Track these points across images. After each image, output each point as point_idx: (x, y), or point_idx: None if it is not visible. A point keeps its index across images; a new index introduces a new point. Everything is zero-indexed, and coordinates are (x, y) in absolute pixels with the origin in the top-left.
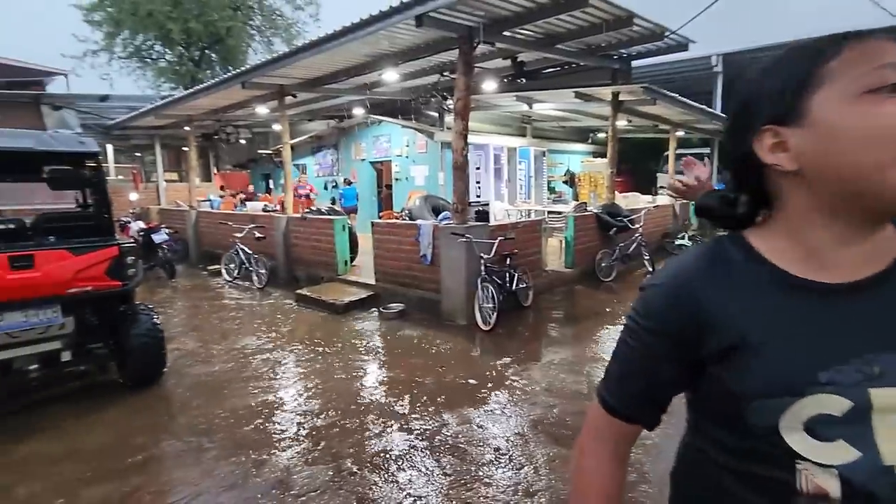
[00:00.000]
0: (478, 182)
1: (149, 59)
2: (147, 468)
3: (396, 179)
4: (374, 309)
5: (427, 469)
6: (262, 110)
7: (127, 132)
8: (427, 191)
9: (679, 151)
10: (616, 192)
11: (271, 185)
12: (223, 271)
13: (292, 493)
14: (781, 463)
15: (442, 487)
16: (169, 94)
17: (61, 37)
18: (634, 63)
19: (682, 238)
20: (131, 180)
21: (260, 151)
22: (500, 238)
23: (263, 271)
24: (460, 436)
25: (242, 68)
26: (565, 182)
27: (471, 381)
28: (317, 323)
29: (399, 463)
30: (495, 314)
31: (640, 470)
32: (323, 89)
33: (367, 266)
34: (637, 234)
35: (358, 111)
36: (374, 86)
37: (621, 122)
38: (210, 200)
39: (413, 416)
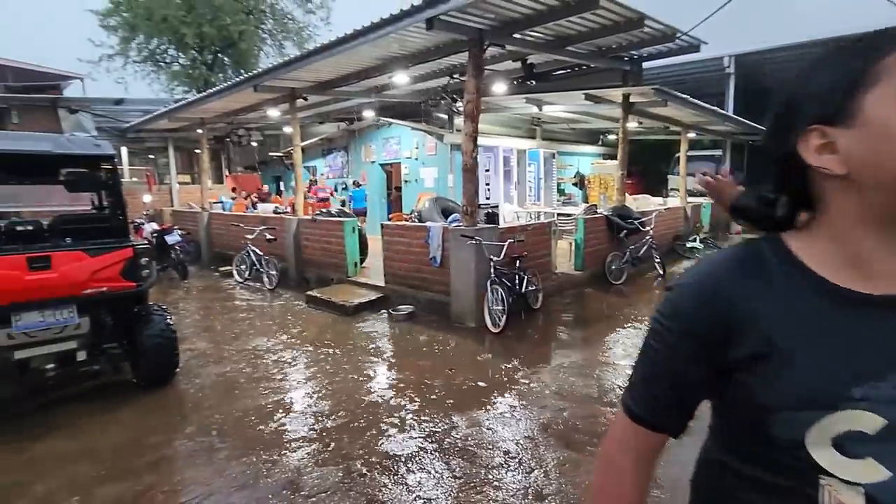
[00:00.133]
0: (487, 184)
1: (163, 63)
2: (160, 467)
3: (406, 181)
4: (383, 311)
5: (436, 471)
6: (273, 113)
7: (141, 135)
8: (436, 193)
9: (690, 153)
10: (626, 195)
11: (282, 187)
12: (234, 272)
13: (303, 493)
14: (804, 477)
15: (451, 490)
16: (182, 98)
17: (78, 42)
18: (645, 64)
19: (694, 241)
20: (145, 182)
21: (271, 154)
22: (509, 240)
23: (274, 273)
24: (470, 438)
25: (255, 72)
26: (575, 184)
27: (480, 383)
28: (327, 324)
29: (408, 465)
30: (505, 316)
31: (652, 474)
32: (334, 92)
33: (377, 268)
34: (648, 237)
35: (368, 114)
36: (385, 88)
37: (632, 124)
38: (222, 202)
39: (422, 418)
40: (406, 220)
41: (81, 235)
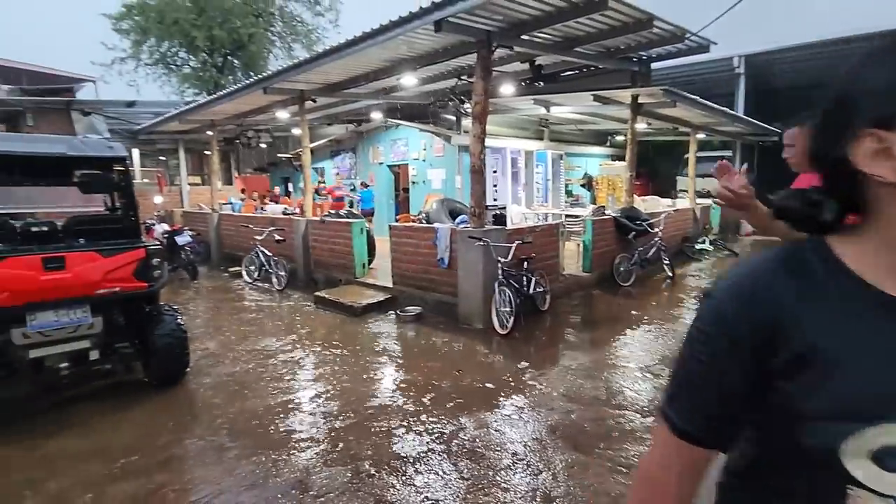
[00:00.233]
0: (495, 185)
1: (173, 66)
2: (171, 466)
3: (413, 183)
4: (391, 312)
5: (444, 472)
6: (282, 115)
7: (152, 137)
8: (444, 194)
9: (699, 154)
10: (635, 196)
11: (290, 189)
12: (244, 273)
13: (311, 493)
14: (833, 487)
15: (459, 491)
16: (193, 100)
17: (91, 45)
18: (654, 65)
19: (703, 242)
20: (156, 183)
21: (279, 155)
22: (517, 242)
23: (283, 273)
24: (477, 440)
25: (264, 74)
26: (583, 185)
27: (488, 384)
28: (335, 325)
29: (416, 466)
30: (512, 318)
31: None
32: (342, 94)
33: (385, 269)
34: (656, 239)
35: (376, 115)
36: (393, 90)
37: (640, 125)
38: (231, 203)
39: (430, 419)
40: (414, 222)
41: (95, 236)
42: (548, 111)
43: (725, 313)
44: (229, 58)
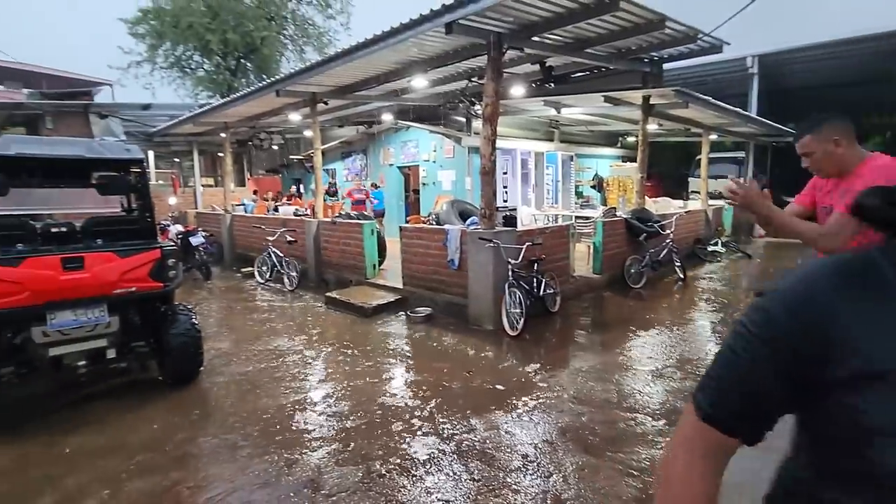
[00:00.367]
0: (505, 187)
1: (188, 69)
2: (185, 463)
3: (424, 184)
4: (401, 312)
5: (455, 473)
6: (294, 117)
7: (167, 139)
8: (454, 195)
9: (712, 155)
10: (646, 197)
11: (301, 190)
12: (256, 273)
13: (323, 492)
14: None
15: (470, 492)
16: (207, 103)
17: (108, 49)
18: (665, 65)
19: (716, 244)
20: (171, 185)
21: (291, 157)
22: (527, 243)
23: (294, 274)
24: (488, 441)
25: (277, 77)
26: (593, 187)
27: (498, 386)
28: (346, 325)
29: (427, 466)
30: (522, 319)
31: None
32: (353, 96)
33: (395, 270)
34: (668, 240)
35: (386, 117)
36: (403, 92)
37: (652, 126)
38: (244, 204)
39: (441, 419)
40: (424, 223)
41: (112, 237)
42: (558, 112)
43: (772, 316)
44: (242, 61)
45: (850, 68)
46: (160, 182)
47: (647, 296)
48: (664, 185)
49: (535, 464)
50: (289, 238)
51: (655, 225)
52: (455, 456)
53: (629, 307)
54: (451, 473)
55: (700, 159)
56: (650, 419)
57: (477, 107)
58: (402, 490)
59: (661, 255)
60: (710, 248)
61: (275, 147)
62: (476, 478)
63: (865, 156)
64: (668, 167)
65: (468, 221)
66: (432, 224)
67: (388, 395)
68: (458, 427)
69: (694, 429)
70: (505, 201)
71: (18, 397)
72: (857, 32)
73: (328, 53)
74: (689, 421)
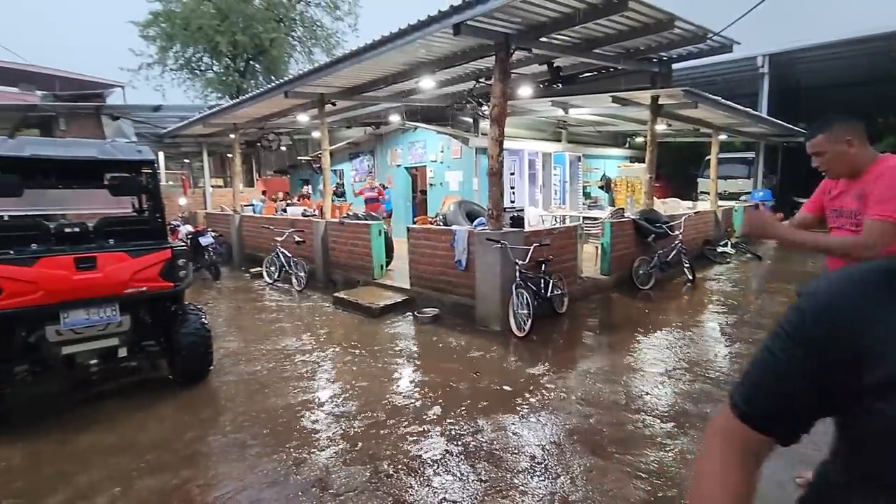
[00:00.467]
0: (512, 188)
1: (198, 71)
2: (195, 462)
3: (431, 185)
4: (408, 313)
5: (462, 474)
6: (302, 118)
7: (177, 140)
8: (461, 196)
9: (721, 155)
10: (655, 198)
11: (309, 190)
12: (264, 274)
13: (330, 492)
14: None
15: (477, 493)
16: (216, 104)
17: (120, 52)
18: (675, 65)
19: (725, 245)
20: (181, 186)
21: (299, 157)
22: (535, 244)
23: (302, 274)
24: (495, 442)
25: (285, 78)
26: (601, 187)
27: (505, 387)
28: (353, 325)
29: (434, 467)
30: (530, 321)
31: (682, 486)
32: (361, 97)
33: (403, 270)
34: (677, 241)
35: (394, 118)
36: (411, 93)
37: (660, 127)
38: (252, 205)
39: (448, 420)
40: (431, 224)
41: (123, 237)
42: (566, 113)
43: (808, 319)
44: (251, 62)
45: (862, 68)
46: (170, 183)
47: (656, 297)
48: (673, 185)
49: (543, 465)
50: (297, 238)
51: (664, 226)
52: (462, 457)
53: (637, 309)
54: (458, 474)
55: (709, 160)
56: (659, 421)
57: (484, 107)
58: (409, 490)
59: (670, 257)
60: (720, 250)
61: (283, 148)
62: (483, 478)
63: (877, 157)
64: (676, 168)
65: (475, 222)
66: (439, 225)
67: (395, 395)
68: (465, 428)
69: (730, 426)
70: (512, 202)
71: (33, 395)
72: (869, 31)
73: (336, 55)
74: (725, 417)
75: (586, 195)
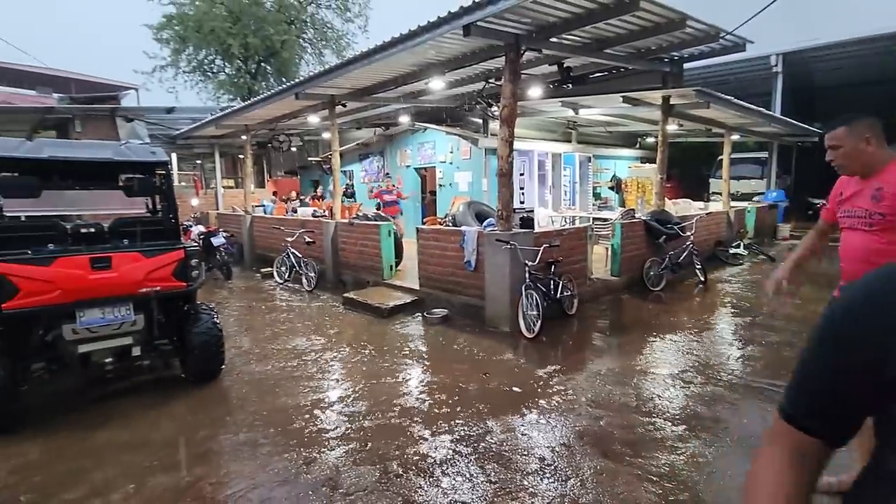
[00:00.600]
0: (522, 188)
1: (210, 73)
2: (208, 460)
3: (440, 185)
4: (418, 313)
5: (471, 475)
6: (313, 119)
7: (189, 141)
8: (471, 197)
9: (734, 156)
10: (666, 199)
11: (320, 191)
12: (275, 274)
13: (340, 491)
14: None
15: (486, 494)
16: (228, 106)
17: (134, 54)
18: (686, 64)
19: (738, 246)
20: (193, 186)
21: (310, 158)
22: (544, 245)
23: (313, 274)
24: (504, 443)
25: (296, 80)
26: (611, 188)
27: (514, 388)
28: (363, 326)
29: (443, 468)
30: (539, 322)
31: (693, 490)
32: (371, 98)
33: (412, 271)
34: (688, 243)
35: (404, 119)
36: (420, 94)
37: (672, 127)
38: (263, 206)
39: (457, 421)
40: (440, 224)
41: (137, 237)
42: (576, 113)
43: (846, 317)
44: (262, 64)
45: (878, 66)
46: (183, 184)
47: (667, 299)
48: (684, 186)
49: (553, 467)
50: (307, 239)
51: (675, 227)
52: (472, 458)
53: (648, 310)
54: (467, 475)
55: (722, 160)
56: (670, 424)
57: (494, 108)
58: (418, 490)
59: (682, 258)
60: (732, 251)
61: (293, 149)
62: (493, 480)
63: (894, 156)
64: (688, 168)
65: (485, 223)
66: (449, 225)
67: (404, 395)
68: (474, 429)
69: (777, 428)
70: (522, 203)
71: (49, 392)
72: (884, 29)
73: (346, 56)
74: (774, 418)
75: (596, 196)
